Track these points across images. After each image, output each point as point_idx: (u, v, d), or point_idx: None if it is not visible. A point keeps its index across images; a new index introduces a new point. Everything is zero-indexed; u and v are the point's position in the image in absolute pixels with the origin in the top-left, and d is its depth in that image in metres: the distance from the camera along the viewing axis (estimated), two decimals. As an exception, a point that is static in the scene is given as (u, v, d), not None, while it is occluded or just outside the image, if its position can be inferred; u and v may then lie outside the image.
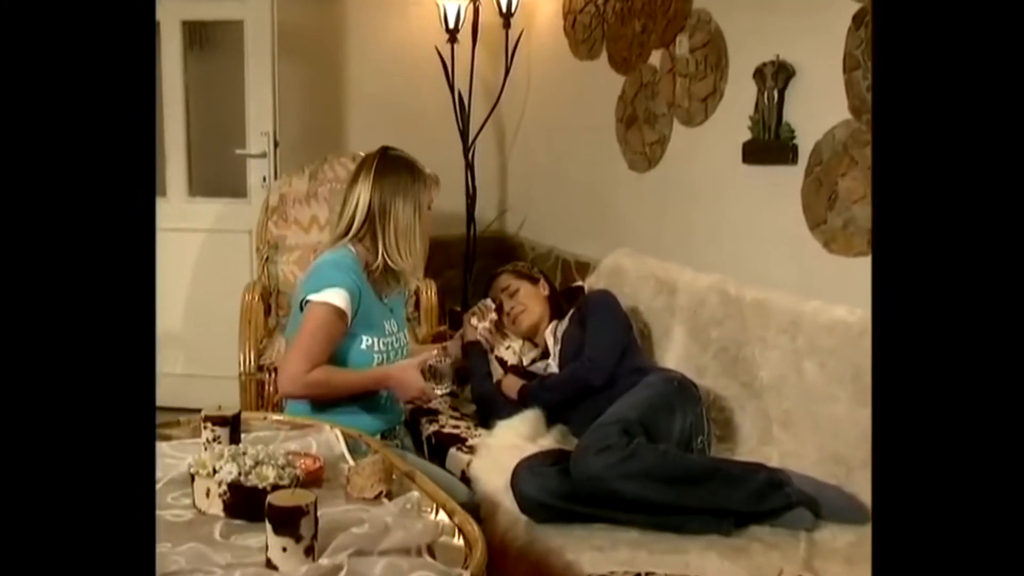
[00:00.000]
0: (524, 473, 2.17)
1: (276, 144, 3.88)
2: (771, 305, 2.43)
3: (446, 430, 2.70)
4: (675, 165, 3.44)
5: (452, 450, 2.56)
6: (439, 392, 2.37)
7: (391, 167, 2.36)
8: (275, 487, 1.54)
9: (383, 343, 2.33)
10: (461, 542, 1.53)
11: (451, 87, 4.16)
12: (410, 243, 2.32)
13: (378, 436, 2.26)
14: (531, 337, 2.98)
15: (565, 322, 2.83)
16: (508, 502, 2.18)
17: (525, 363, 2.94)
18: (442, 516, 1.61)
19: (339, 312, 2.21)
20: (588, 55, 3.91)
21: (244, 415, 1.95)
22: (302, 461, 1.75)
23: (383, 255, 2.31)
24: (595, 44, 3.85)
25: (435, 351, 2.38)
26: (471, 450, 2.52)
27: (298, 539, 1.38)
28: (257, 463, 1.60)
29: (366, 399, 2.32)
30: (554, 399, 2.63)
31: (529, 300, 2.92)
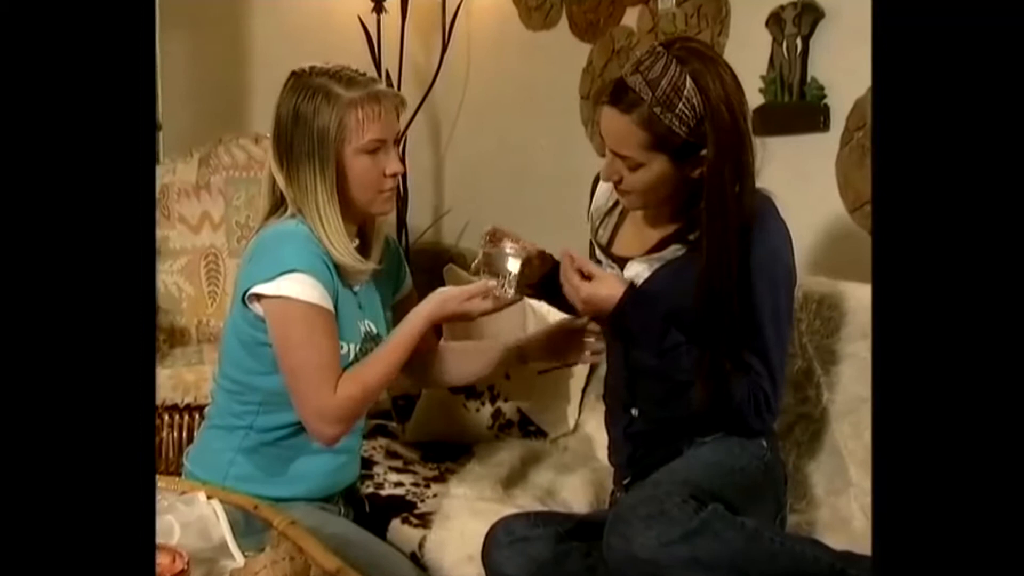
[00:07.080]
0: (501, 538, 1.53)
1: (158, 127, 3.26)
2: (841, 302, 1.75)
3: (385, 491, 1.91)
4: (660, 146, 2.86)
5: (395, 522, 1.77)
6: (509, 293, 1.59)
7: (289, 94, 1.61)
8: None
9: (361, 351, 1.64)
10: None
11: (377, 66, 3.53)
12: (318, 208, 1.58)
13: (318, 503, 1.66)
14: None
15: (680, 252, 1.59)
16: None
17: None
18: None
19: (310, 307, 1.54)
20: (544, 24, 3.33)
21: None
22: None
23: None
24: (552, 10, 3.28)
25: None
26: (423, 521, 1.76)
27: None
28: None
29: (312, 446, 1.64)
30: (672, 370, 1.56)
31: (654, 182, 1.57)
